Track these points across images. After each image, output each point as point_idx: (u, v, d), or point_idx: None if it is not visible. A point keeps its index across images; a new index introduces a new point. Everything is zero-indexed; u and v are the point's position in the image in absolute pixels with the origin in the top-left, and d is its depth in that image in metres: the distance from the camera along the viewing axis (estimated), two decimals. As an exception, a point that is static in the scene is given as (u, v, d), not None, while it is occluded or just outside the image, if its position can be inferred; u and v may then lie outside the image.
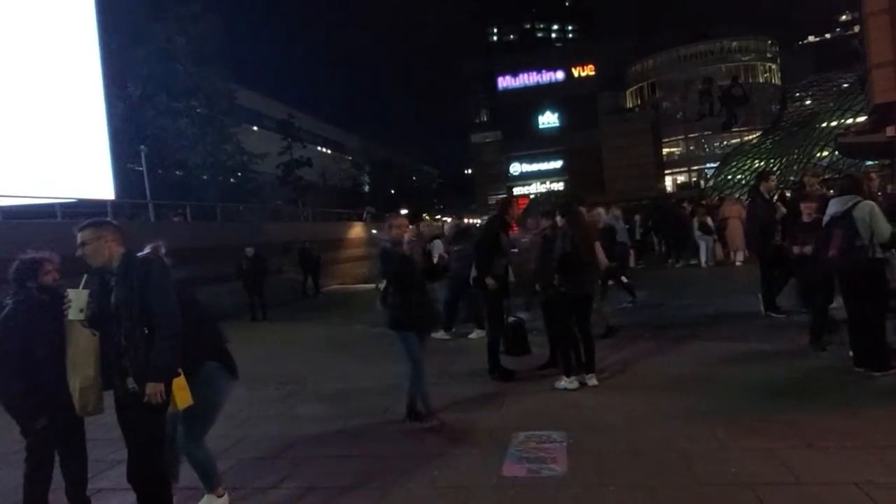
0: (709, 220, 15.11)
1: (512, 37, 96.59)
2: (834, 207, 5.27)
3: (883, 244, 5.00)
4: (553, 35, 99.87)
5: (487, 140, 73.70)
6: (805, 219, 6.23)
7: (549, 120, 72.39)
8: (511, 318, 6.63)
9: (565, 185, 65.90)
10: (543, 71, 73.85)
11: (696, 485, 3.45)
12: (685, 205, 18.63)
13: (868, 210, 5.00)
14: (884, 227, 4.95)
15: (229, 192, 24.77)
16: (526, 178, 70.44)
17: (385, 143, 54.60)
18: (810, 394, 4.85)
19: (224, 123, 25.36)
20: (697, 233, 15.16)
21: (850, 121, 30.84)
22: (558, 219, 6.06)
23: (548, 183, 69.13)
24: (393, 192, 52.83)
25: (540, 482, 3.68)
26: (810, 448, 3.79)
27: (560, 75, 73.45)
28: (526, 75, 74.03)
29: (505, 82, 74.36)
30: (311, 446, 4.75)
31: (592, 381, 5.62)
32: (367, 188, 54.37)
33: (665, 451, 3.96)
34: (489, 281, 6.31)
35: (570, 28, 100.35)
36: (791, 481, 3.36)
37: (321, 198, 38.98)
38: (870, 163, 22.96)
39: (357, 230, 26.55)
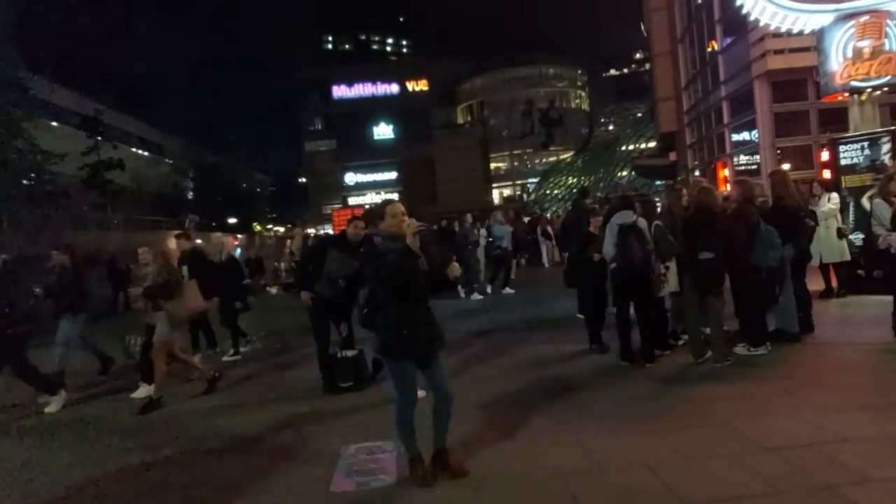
0: (549, 228, 18.13)
1: (347, 46, 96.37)
2: (620, 220, 5.96)
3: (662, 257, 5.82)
4: (388, 48, 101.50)
5: (322, 149, 72.56)
6: (592, 230, 6.92)
7: (383, 132, 73.29)
8: (345, 352, 6.21)
9: (400, 197, 67.06)
10: (379, 83, 74.69)
11: (513, 479, 3.67)
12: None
13: (644, 224, 5.83)
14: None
15: (22, 196, 21.36)
16: (361, 188, 70.46)
17: (212, 147, 50.99)
18: (611, 387, 5.41)
19: (13, 117, 21.84)
20: (540, 238, 17.92)
21: (643, 145, 35.40)
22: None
23: (383, 193, 69.75)
24: (220, 199, 49.54)
25: (368, 494, 3.67)
26: (611, 436, 4.22)
27: (395, 88, 74.84)
28: (361, 86, 74.30)
29: (340, 92, 73.93)
30: (118, 481, 4.25)
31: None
32: (190, 195, 50.41)
33: (488, 450, 4.16)
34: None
35: (404, 43, 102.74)
36: (594, 469, 3.72)
37: (135, 204, 35.32)
38: (659, 182, 26.48)
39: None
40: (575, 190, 45.61)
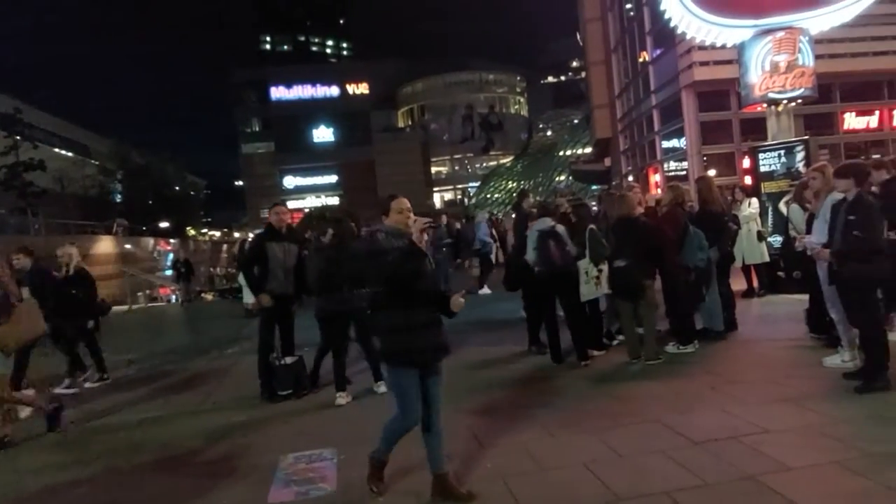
0: (494, 231, 18.04)
1: (286, 47, 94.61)
2: (539, 226, 6.16)
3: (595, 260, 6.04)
4: (328, 50, 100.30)
5: (260, 151, 70.90)
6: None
7: (323, 135, 72.27)
8: (285, 359, 6.06)
9: (340, 200, 66.35)
10: (318, 85, 73.62)
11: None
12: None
13: (563, 230, 6.09)
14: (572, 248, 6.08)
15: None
16: (301, 191, 69.23)
17: (143, 149, 48.78)
18: (550, 388, 5.54)
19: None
20: (487, 240, 17.71)
21: (580, 151, 36.39)
22: (329, 233, 6.09)
23: (323, 197, 68.83)
24: (151, 202, 47.49)
25: (308, 504, 3.61)
26: (552, 437, 4.31)
27: (335, 91, 73.95)
28: (300, 88, 73.01)
29: (278, 93, 72.39)
30: (40, 502, 4.01)
31: (381, 388, 5.68)
32: (118, 198, 48.09)
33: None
34: (263, 298, 5.92)
35: (344, 45, 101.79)
36: (535, 469, 3.79)
37: (59, 207, 33.39)
38: (595, 187, 27.29)
39: (106, 244, 23.33)
40: (515, 194, 46.49)
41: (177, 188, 53.43)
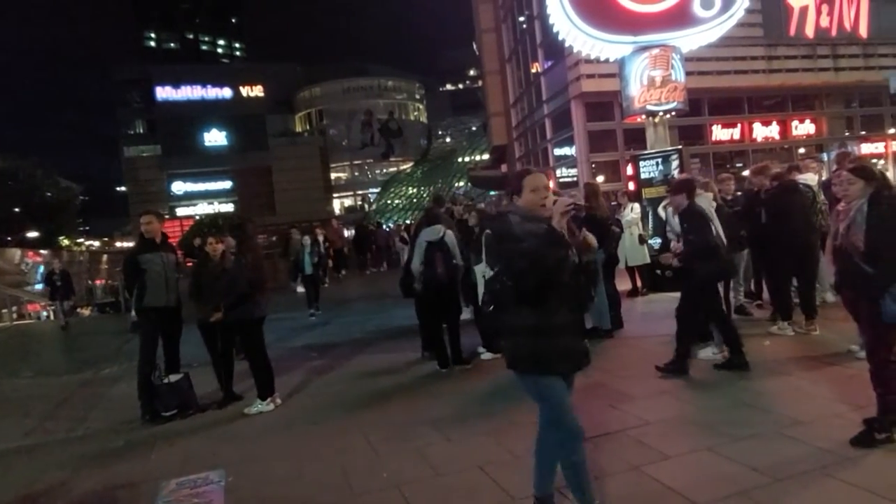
0: (406, 235, 18.11)
1: (173, 45, 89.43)
2: (428, 236, 6.23)
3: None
4: (219, 50, 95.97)
5: (144, 154, 66.29)
6: None
7: (216, 138, 68.85)
8: (169, 377, 5.73)
9: (235, 207, 63.54)
10: (209, 86, 70.07)
11: (353, 497, 3.60)
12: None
13: (452, 239, 6.27)
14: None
15: None
16: (191, 197, 65.45)
17: (7, 152, 44.12)
18: (446, 392, 5.56)
19: None
20: (399, 245, 18.01)
21: (478, 157, 37.20)
22: (228, 240, 5.83)
23: (216, 204, 65.53)
24: (17, 209, 43.05)
25: (192, 532, 3.38)
26: (448, 441, 4.33)
27: (227, 93, 70.71)
28: (189, 88, 69.07)
29: (164, 93, 68.06)
30: None
31: (277, 400, 5.61)
32: (-24, 206, 43.17)
33: (325, 469, 4.04)
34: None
35: (237, 46, 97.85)
36: (431, 475, 3.78)
37: None
38: (493, 192, 27.98)
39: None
40: (415, 200, 46.68)
41: (48, 194, 48.85)
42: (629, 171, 11.68)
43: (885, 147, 19.48)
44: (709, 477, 3.31)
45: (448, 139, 61.06)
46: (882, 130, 20.29)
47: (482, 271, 6.27)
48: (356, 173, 71.44)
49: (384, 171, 68.10)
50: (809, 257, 6.21)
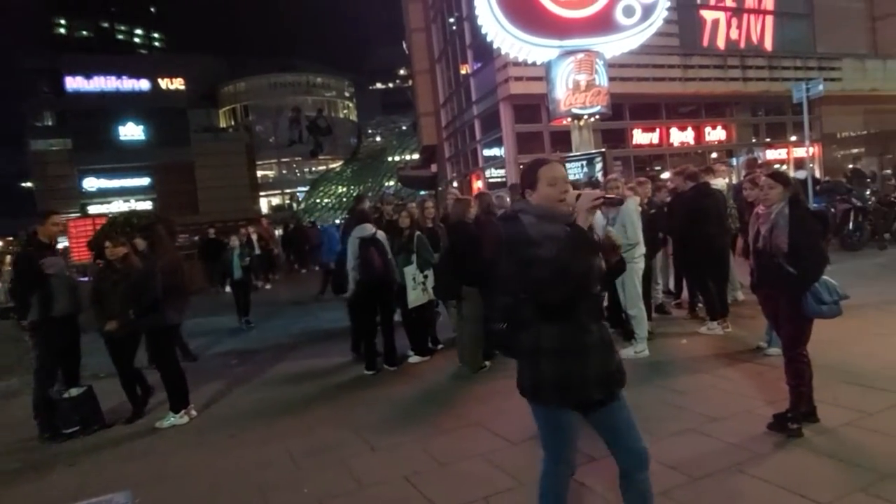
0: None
1: (85, 33, 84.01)
2: (359, 233, 6.16)
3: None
4: (137, 40, 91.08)
5: (54, 148, 61.92)
6: None
7: (132, 132, 65.27)
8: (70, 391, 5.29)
9: (154, 205, 60.45)
10: (125, 77, 66.35)
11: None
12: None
13: (384, 238, 6.24)
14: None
15: None
16: (105, 194, 61.70)
17: None
18: (373, 397, 5.42)
19: None
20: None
21: (408, 157, 37.07)
22: (138, 241, 5.46)
23: (132, 201, 62.08)
24: None
25: (91, 563, 3.10)
26: (372, 451, 4.20)
27: (145, 85, 67.16)
28: (103, 79, 65.07)
29: (76, 84, 63.79)
30: None
31: (192, 412, 5.33)
32: None
33: (243, 486, 3.83)
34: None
35: (156, 36, 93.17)
36: (355, 488, 3.64)
37: None
38: (423, 192, 27.95)
39: None
40: (345, 199, 45.98)
41: (-62, 191, 44.75)
42: (556, 172, 11.88)
43: (788, 153, 20.84)
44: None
45: (378, 138, 60.60)
46: (784, 137, 21.70)
47: (412, 273, 6.19)
48: (284, 171, 69.64)
49: (313, 169, 66.76)
50: (723, 259, 6.50)
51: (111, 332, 5.27)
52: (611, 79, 11.19)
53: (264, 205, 66.70)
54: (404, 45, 31.16)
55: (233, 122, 70.28)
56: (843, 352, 4.94)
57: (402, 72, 74.20)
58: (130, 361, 5.49)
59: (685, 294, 7.46)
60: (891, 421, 3.69)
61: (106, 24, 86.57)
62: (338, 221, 19.13)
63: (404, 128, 47.40)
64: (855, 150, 23.42)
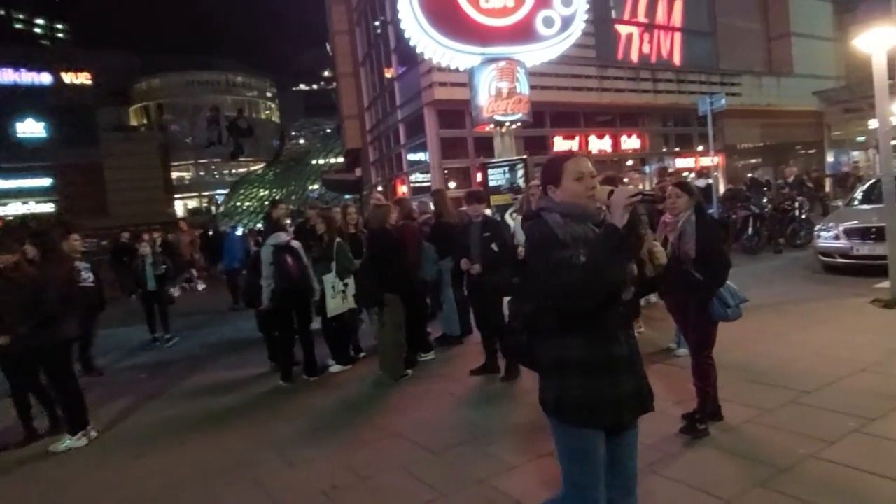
0: (260, 240, 17.32)
1: (-25, 20, 77.46)
2: (274, 241, 6.00)
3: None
4: (38, 30, 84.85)
5: (-60, 146, 56.61)
6: None
7: (32, 129, 60.77)
8: None
9: (56, 207, 56.30)
10: (23, 70, 61.69)
11: None
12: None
13: (299, 245, 6.09)
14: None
15: None
16: (1, 196, 57.10)
17: None
18: (291, 410, 5.23)
19: None
20: (254, 249, 16.85)
21: (332, 160, 36.48)
22: (28, 248, 5.01)
23: (32, 203, 57.66)
24: None
25: None
26: (290, 466, 4.04)
27: (47, 78, 62.77)
28: (-1, 71, 60.33)
29: (-35, 76, 58.78)
30: None
31: (92, 433, 4.92)
32: None
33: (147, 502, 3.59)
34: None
35: (59, 27, 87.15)
36: (269, 507, 3.49)
37: None
38: (348, 196, 27.59)
39: None
40: (267, 203, 44.63)
41: None
42: (479, 177, 12.04)
43: (695, 162, 22.07)
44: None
45: (302, 140, 59.22)
46: (692, 147, 23.00)
47: (331, 281, 6.04)
48: (201, 173, 66.79)
49: (233, 171, 64.42)
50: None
51: (3, 346, 4.80)
52: (532, 87, 11.44)
53: (180, 208, 63.68)
54: (328, 47, 30.68)
55: (146, 121, 66.84)
56: (744, 352, 5.23)
57: (326, 74, 72.97)
58: (30, 379, 5.01)
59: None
60: (787, 417, 3.93)
61: (2, 12, 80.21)
62: (239, 229, 18.16)
63: (328, 130, 46.62)
64: (753, 161, 25.17)
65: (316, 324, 6.76)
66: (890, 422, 3.69)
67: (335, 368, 6.30)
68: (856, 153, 26.87)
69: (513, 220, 7.06)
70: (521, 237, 6.28)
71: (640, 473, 3.28)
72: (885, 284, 6.82)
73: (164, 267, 8.82)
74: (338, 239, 6.24)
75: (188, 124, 65.89)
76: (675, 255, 3.78)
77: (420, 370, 6.01)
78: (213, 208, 57.51)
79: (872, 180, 9.78)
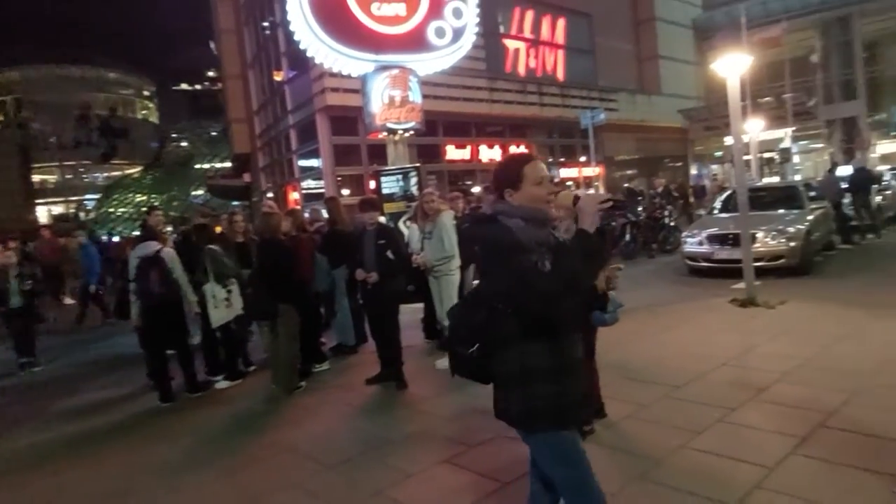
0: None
1: None
2: (141, 251, 5.69)
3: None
4: None
5: None
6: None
7: None
8: None
9: None
10: None
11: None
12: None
13: (171, 255, 5.73)
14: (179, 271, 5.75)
15: None
16: None
17: None
18: (175, 430, 4.91)
19: None
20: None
21: (219, 165, 34.81)
22: None
23: None
24: None
25: None
26: (173, 491, 3.78)
27: None
28: None
29: None
30: None
31: None
32: None
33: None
34: None
35: None
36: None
37: None
38: (235, 203, 26.40)
39: None
40: (145, 209, 41.68)
41: None
42: (372, 185, 12.01)
43: (578, 172, 23.38)
44: (449, 490, 3.43)
45: (184, 143, 55.98)
46: (575, 158, 24.38)
47: (211, 291, 5.76)
48: (68, 176, 61.17)
49: (105, 175, 59.56)
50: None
51: None
52: (424, 96, 11.61)
53: (42, 214, 57.82)
54: (212, 46, 29.29)
55: (1, 118, 60.17)
56: (622, 351, 5.60)
57: (211, 74, 69.55)
58: None
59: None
60: (661, 411, 4.25)
61: None
62: (105, 237, 16.70)
63: (214, 134, 44.44)
64: (629, 172, 27.13)
65: (198, 338, 6.44)
66: (747, 411, 4.10)
67: (223, 384, 6.00)
68: (715, 166, 29.82)
69: (406, 228, 7.12)
70: (415, 245, 6.35)
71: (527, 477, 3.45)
72: (741, 285, 7.58)
73: (30, 281, 7.78)
74: (209, 246, 5.97)
75: (53, 123, 60.15)
76: None
77: (314, 381, 5.88)
78: (81, 214, 52.76)
79: (729, 191, 10.87)
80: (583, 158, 23.33)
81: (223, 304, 5.80)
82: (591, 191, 13.31)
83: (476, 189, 16.06)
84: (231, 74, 26.62)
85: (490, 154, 22.09)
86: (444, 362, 5.82)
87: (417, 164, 11.26)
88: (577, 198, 2.05)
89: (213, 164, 37.54)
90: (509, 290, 1.95)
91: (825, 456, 3.33)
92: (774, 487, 3.05)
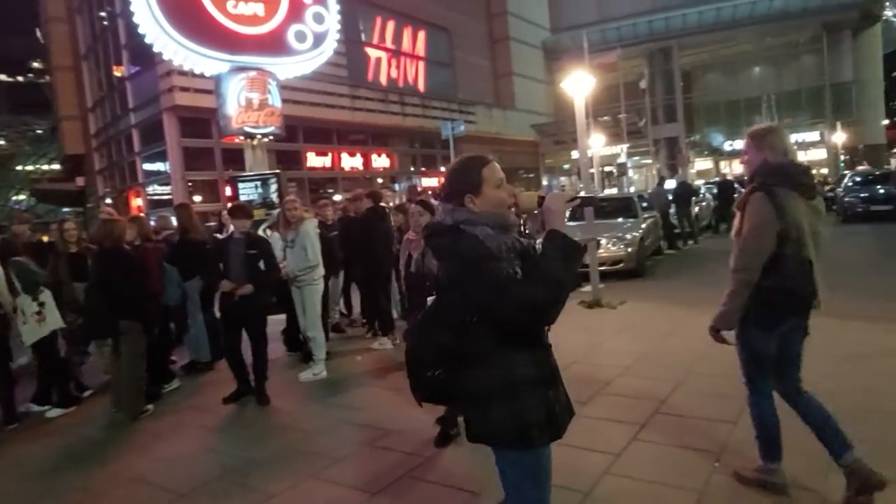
0: None
1: None
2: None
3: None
4: None
5: None
6: None
7: None
8: None
9: None
10: None
11: None
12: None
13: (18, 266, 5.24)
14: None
15: None
16: None
17: None
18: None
19: None
20: None
21: (46, 167, 31.08)
22: None
23: None
24: None
25: None
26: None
27: None
28: None
29: None
30: None
31: None
32: None
33: None
34: None
35: None
36: None
37: None
38: (66, 210, 23.70)
39: None
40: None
41: None
42: (228, 191, 11.40)
43: (438, 181, 23.99)
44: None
45: (2, 142, 49.12)
46: (436, 168, 25.01)
47: (22, 304, 5.15)
48: None
49: None
50: (390, 278, 7.05)
51: None
52: (284, 101, 11.27)
53: None
54: (38, 34, 26.13)
55: None
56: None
57: (36, 65, 61.79)
58: None
59: (357, 313, 7.89)
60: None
61: None
62: None
63: (40, 132, 39.49)
64: (488, 182, 28.37)
65: (24, 359, 5.71)
66: (596, 404, 4.45)
67: (54, 412, 5.33)
68: (563, 178, 32.20)
69: (268, 237, 6.84)
70: (278, 254, 6.11)
71: (401, 482, 3.46)
72: (588, 289, 8.22)
73: None
74: (15, 258, 5.35)
75: None
76: (420, 271, 4.01)
77: (164, 404, 5.42)
78: None
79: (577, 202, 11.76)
80: (443, 168, 24.02)
81: (33, 319, 5.16)
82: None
83: (338, 197, 15.83)
84: (61, 66, 23.89)
85: (352, 162, 21.95)
86: (307, 374, 5.68)
87: (277, 171, 10.88)
88: (541, 198, 1.98)
89: (38, 166, 33.25)
90: (488, 302, 1.79)
91: (660, 440, 3.71)
92: (621, 472, 3.34)
